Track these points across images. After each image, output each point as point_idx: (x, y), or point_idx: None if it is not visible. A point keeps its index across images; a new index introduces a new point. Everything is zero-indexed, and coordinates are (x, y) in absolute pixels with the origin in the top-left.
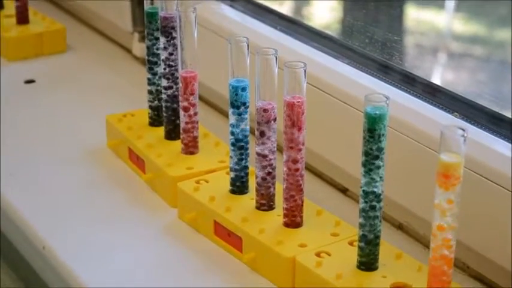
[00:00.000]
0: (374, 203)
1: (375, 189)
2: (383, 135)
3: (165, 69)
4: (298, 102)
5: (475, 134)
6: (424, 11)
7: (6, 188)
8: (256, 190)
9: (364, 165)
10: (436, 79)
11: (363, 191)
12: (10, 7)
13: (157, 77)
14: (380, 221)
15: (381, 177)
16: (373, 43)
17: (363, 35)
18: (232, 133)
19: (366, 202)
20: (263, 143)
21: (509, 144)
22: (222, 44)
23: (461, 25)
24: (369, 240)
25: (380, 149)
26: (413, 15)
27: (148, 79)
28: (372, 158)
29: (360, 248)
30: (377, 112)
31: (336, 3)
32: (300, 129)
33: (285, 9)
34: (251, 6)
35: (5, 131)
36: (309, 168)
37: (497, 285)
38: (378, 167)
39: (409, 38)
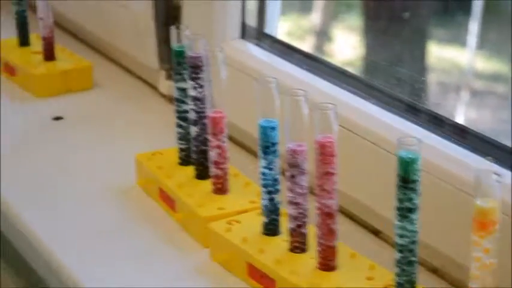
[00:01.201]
0: (411, 258)
1: (411, 239)
2: (417, 180)
3: (192, 109)
4: (329, 143)
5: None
6: (446, 48)
7: (37, 226)
8: (289, 233)
9: (398, 210)
10: (460, 117)
11: (399, 244)
12: (37, 44)
13: (185, 121)
14: (416, 270)
15: (415, 223)
16: (396, 81)
17: (385, 73)
18: (263, 174)
19: (401, 254)
20: (294, 186)
21: None
22: (249, 83)
23: (482, 62)
24: None
25: (414, 194)
26: (435, 52)
27: (177, 123)
28: (406, 205)
29: None
30: (410, 156)
31: (358, 40)
32: (331, 172)
33: (307, 46)
34: (277, 44)
35: (34, 168)
36: (340, 210)
37: None
38: (413, 213)
39: (431, 76)
